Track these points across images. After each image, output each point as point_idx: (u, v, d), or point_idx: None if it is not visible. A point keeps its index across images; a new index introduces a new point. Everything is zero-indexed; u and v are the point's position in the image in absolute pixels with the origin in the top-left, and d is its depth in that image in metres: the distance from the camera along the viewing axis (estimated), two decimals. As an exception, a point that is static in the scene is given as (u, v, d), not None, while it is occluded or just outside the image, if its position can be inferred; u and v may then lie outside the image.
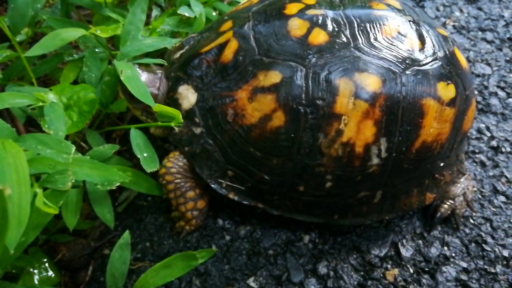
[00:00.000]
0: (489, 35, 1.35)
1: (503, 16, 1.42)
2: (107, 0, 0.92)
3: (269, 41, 0.71)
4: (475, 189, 0.92)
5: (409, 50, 0.71)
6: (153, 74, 0.83)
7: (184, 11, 0.93)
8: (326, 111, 0.67)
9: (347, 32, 0.70)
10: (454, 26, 1.36)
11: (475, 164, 1.00)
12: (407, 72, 0.69)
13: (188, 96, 0.76)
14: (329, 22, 0.71)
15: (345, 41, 0.69)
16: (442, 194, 0.83)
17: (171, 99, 0.78)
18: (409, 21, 0.74)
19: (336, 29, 0.70)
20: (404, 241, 0.85)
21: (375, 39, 0.70)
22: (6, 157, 0.52)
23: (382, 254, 0.83)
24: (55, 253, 0.85)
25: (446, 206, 0.85)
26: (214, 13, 1.04)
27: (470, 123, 0.81)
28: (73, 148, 0.63)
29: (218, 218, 0.86)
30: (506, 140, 1.06)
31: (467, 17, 1.40)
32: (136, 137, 0.76)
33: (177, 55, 0.83)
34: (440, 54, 0.73)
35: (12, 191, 0.50)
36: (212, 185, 0.75)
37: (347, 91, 0.67)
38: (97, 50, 0.89)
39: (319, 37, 0.69)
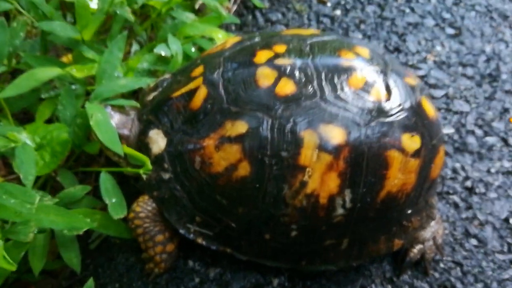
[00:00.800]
0: (469, 71, 1.36)
1: (484, 51, 1.44)
2: (85, 38, 0.93)
3: (237, 90, 0.72)
4: (446, 231, 0.92)
5: (375, 101, 0.72)
6: (126, 115, 0.83)
7: (160, 50, 0.94)
8: (291, 163, 0.68)
9: (315, 83, 0.71)
10: (434, 61, 1.37)
11: (448, 206, 1.01)
12: (372, 124, 0.70)
13: (158, 140, 0.76)
14: (297, 72, 0.72)
15: (312, 92, 0.70)
16: (410, 240, 0.84)
17: (142, 142, 0.79)
18: (377, 71, 0.75)
19: (304, 79, 0.71)
20: (373, 285, 0.85)
21: (342, 90, 0.71)
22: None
23: None
24: (25, 293, 0.85)
25: (415, 250, 0.86)
26: (193, 49, 1.05)
27: (438, 170, 0.82)
28: (37, 198, 0.63)
29: (189, 259, 0.86)
30: (481, 180, 1.06)
31: (448, 52, 1.42)
32: (106, 181, 0.77)
33: (150, 97, 0.84)
34: (406, 105, 0.74)
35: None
36: (181, 230, 0.76)
37: (311, 143, 0.67)
38: (73, 87, 0.90)
39: (286, 87, 0.70)
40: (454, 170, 1.08)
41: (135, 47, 1.03)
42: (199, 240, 0.76)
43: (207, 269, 0.85)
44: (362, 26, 1.43)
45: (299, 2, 1.47)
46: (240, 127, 0.69)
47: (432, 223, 0.86)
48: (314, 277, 0.85)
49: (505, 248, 0.94)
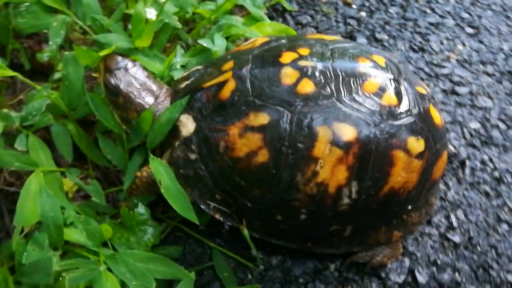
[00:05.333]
0: (489, 68, 1.44)
1: (502, 49, 1.51)
2: (137, 46, 0.99)
3: (262, 86, 0.80)
4: (393, 259, 0.95)
5: (386, 105, 0.79)
6: (158, 85, 0.91)
7: (203, 42, 1.02)
8: (305, 154, 0.76)
9: (332, 85, 0.79)
10: (457, 60, 1.45)
11: (480, 195, 1.10)
12: (381, 125, 0.78)
13: (187, 124, 0.85)
14: (317, 74, 0.80)
15: (329, 93, 0.78)
16: (408, 233, 0.92)
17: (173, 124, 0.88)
18: (390, 79, 0.83)
19: (323, 81, 0.79)
20: (419, 268, 0.95)
21: (356, 93, 0.79)
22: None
23: (400, 281, 0.93)
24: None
25: (360, 255, 0.92)
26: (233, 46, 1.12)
27: (440, 172, 0.89)
28: (154, 284, 0.71)
29: (251, 249, 0.92)
30: (508, 171, 1.16)
31: (469, 51, 1.49)
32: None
33: (183, 85, 0.93)
34: (414, 111, 0.82)
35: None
36: (202, 206, 0.85)
37: (325, 138, 0.76)
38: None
39: (306, 87, 0.79)
40: (483, 162, 1.17)
41: (180, 51, 1.07)
42: (217, 216, 0.85)
43: (269, 257, 0.94)
44: (387, 27, 1.51)
45: (326, 4, 1.54)
46: (263, 118, 0.78)
47: (387, 250, 0.93)
48: (363, 264, 0.93)
49: (534, 232, 1.04)
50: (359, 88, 0.79)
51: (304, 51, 0.85)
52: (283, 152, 0.77)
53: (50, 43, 0.99)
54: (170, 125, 0.86)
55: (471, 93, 1.35)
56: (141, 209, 0.87)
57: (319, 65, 0.81)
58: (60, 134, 0.92)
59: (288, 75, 0.80)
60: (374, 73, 0.82)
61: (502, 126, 1.27)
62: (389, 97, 0.80)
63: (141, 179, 0.88)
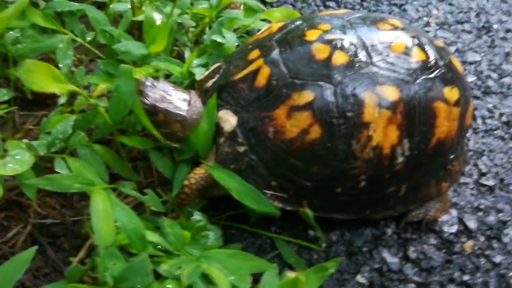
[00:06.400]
0: (467, 26, 1.52)
1: (471, 8, 1.60)
2: (152, 52, 0.97)
3: (297, 65, 0.81)
4: (444, 212, 0.99)
5: (416, 62, 0.83)
6: (183, 94, 0.89)
7: (216, 38, 1.02)
8: (356, 121, 0.78)
9: (363, 52, 0.81)
10: (436, 23, 1.53)
11: (497, 140, 1.16)
12: (418, 81, 0.81)
13: (228, 119, 0.85)
14: (346, 44, 0.82)
15: (363, 59, 0.81)
16: (454, 182, 0.95)
17: None
18: (412, 37, 0.86)
19: (353, 50, 0.82)
20: (467, 216, 0.99)
21: (387, 55, 0.82)
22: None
23: (454, 231, 0.96)
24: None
25: (414, 214, 0.94)
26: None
27: (470, 118, 0.94)
28: (251, 278, 0.71)
29: (309, 230, 0.95)
30: None
31: (444, 14, 1.57)
32: None
33: (210, 83, 0.92)
34: (441, 63, 0.86)
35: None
36: (259, 197, 0.84)
37: (372, 102, 0.78)
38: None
39: (340, 58, 0.81)
40: (490, 110, 1.23)
41: (187, 53, 1.08)
42: (276, 203, 0.85)
43: (328, 234, 0.94)
44: (365, 4, 1.58)
45: (303, -10, 1.58)
46: (307, 95, 0.79)
47: (438, 204, 0.96)
48: (418, 220, 0.96)
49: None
50: (388, 50, 0.82)
51: (325, 26, 0.87)
52: (334, 124, 0.78)
53: (60, 65, 0.95)
54: (213, 128, 0.86)
55: (458, 51, 1.42)
56: (197, 216, 0.86)
57: (345, 36, 0.84)
58: (87, 155, 0.89)
59: (320, 50, 0.82)
60: (397, 34, 0.86)
61: (494, 75, 1.34)
62: (418, 54, 0.84)
63: (191, 186, 0.87)
